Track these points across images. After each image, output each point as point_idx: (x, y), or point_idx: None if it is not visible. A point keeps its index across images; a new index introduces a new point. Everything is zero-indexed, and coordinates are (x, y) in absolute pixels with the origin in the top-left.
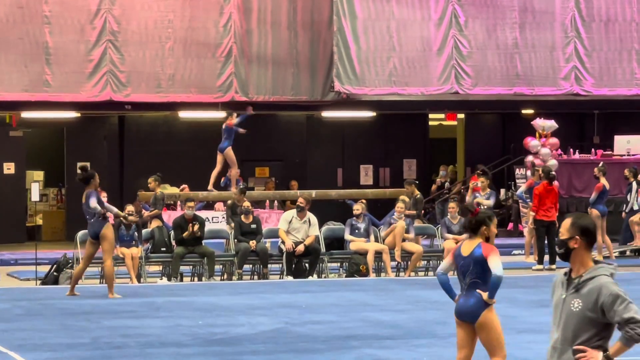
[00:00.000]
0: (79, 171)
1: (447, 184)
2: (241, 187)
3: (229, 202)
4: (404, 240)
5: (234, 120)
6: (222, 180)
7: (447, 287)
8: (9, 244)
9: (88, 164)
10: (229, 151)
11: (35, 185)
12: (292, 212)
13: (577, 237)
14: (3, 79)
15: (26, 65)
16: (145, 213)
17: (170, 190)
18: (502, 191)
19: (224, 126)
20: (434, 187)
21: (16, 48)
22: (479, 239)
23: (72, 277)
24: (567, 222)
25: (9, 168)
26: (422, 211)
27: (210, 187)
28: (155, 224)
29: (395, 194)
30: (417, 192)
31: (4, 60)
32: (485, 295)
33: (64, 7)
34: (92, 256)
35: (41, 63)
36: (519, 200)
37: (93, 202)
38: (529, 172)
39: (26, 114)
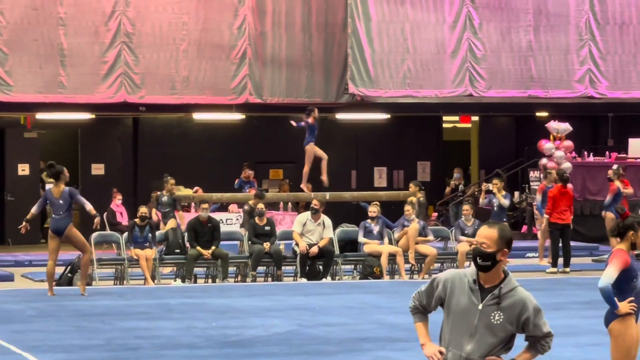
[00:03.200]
0: (48, 168)
1: (461, 187)
2: (259, 192)
3: (246, 207)
4: (418, 242)
5: (316, 115)
6: (236, 181)
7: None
8: (23, 245)
9: (54, 162)
10: (310, 147)
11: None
12: (307, 215)
13: (505, 249)
14: (18, 81)
15: (41, 67)
16: (157, 214)
17: (184, 191)
18: (516, 194)
19: (302, 123)
20: (447, 189)
21: (31, 50)
22: (622, 244)
23: (47, 276)
24: (491, 233)
25: (24, 169)
26: (425, 214)
27: (302, 185)
28: (170, 225)
29: (409, 196)
30: (419, 194)
31: (19, 61)
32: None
33: (78, 9)
34: (57, 249)
35: (56, 65)
36: (533, 203)
37: (88, 205)
38: (542, 175)
39: (41, 116)
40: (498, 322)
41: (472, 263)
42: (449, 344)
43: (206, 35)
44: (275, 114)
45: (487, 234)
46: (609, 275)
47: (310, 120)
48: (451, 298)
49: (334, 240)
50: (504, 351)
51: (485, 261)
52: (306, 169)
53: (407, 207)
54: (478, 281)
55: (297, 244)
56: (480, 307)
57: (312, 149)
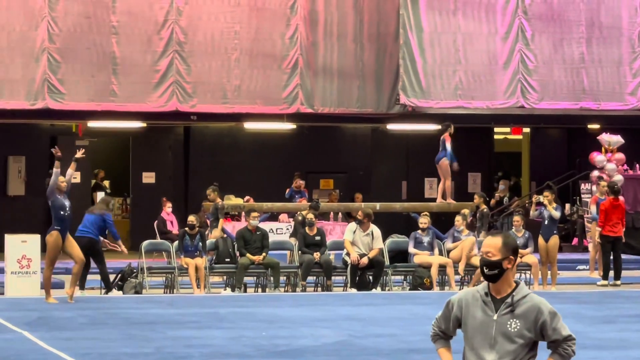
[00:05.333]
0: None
1: (505, 199)
2: (314, 203)
3: (299, 217)
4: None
5: (451, 131)
6: (287, 191)
7: None
8: None
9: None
10: (444, 162)
11: (100, 194)
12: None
13: (511, 257)
14: (70, 89)
15: (93, 75)
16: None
17: (234, 201)
18: (567, 206)
19: (441, 138)
20: (492, 201)
21: (83, 58)
22: None
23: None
24: (495, 242)
25: (75, 177)
26: (488, 225)
27: (438, 199)
28: (217, 234)
29: (460, 207)
30: (483, 205)
31: (71, 70)
32: None
33: (131, 17)
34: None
35: (108, 73)
36: (584, 215)
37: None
38: (594, 187)
39: (92, 124)
40: (515, 329)
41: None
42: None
43: (258, 45)
44: (327, 124)
45: (491, 243)
46: None
47: (445, 135)
48: (467, 316)
49: (384, 251)
50: (527, 359)
51: (492, 270)
52: (442, 184)
53: (458, 218)
54: (490, 293)
55: (347, 254)
56: (495, 317)
57: (446, 164)
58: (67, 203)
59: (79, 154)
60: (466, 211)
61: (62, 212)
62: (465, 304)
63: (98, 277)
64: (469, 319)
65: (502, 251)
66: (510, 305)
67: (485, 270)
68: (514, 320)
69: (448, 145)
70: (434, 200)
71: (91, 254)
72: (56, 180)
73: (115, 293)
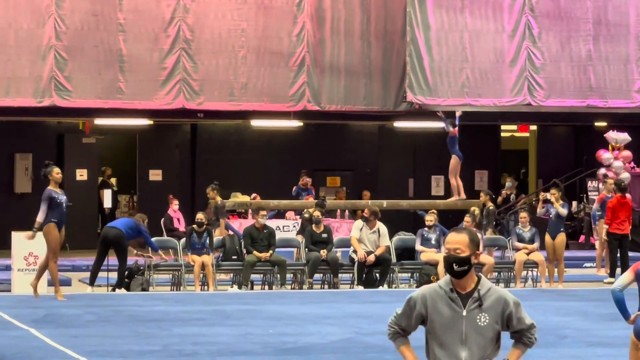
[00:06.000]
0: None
1: (512, 197)
2: (321, 201)
3: (305, 214)
4: None
5: (456, 127)
6: (294, 189)
7: (623, 306)
8: (81, 250)
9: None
10: (453, 159)
11: (107, 192)
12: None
13: (477, 252)
14: (77, 86)
15: (100, 73)
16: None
17: (241, 198)
18: (574, 203)
19: (451, 129)
20: (499, 198)
21: (90, 55)
22: None
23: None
24: (462, 238)
25: (82, 174)
26: (494, 223)
27: (455, 197)
28: (219, 233)
29: (467, 205)
30: (490, 203)
31: (78, 67)
32: None
33: (138, 15)
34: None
35: (115, 70)
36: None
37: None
38: (601, 185)
39: (99, 121)
40: (485, 323)
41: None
42: (442, 357)
43: (265, 42)
44: (333, 121)
45: (459, 240)
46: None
47: (454, 131)
48: (433, 312)
49: (391, 248)
50: (494, 352)
51: (462, 266)
52: (456, 181)
53: (467, 219)
54: (455, 289)
55: (354, 251)
56: (464, 313)
57: (453, 162)
58: (63, 197)
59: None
60: (476, 210)
61: (58, 208)
62: (430, 301)
63: (106, 274)
64: (435, 315)
65: (470, 247)
66: (477, 300)
67: (455, 267)
68: (483, 314)
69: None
70: (440, 197)
71: (115, 248)
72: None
73: (121, 290)
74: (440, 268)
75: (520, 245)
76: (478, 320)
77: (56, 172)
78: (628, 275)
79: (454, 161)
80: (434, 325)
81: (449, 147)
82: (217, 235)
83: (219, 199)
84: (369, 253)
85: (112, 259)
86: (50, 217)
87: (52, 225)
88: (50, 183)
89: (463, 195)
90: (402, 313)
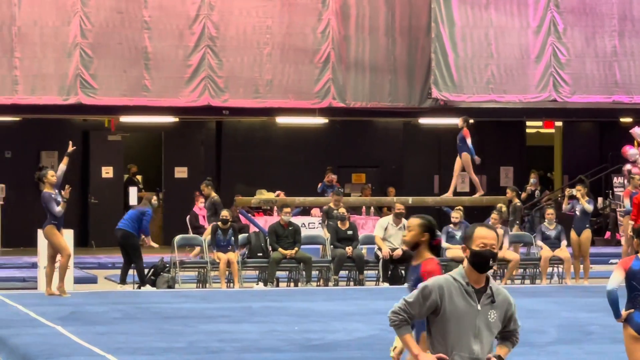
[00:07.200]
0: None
1: (537, 192)
2: (337, 190)
3: (325, 207)
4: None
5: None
6: (319, 185)
7: (617, 305)
8: (106, 247)
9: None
10: (465, 156)
11: (133, 189)
12: (388, 219)
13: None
14: (102, 84)
15: (125, 70)
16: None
17: (266, 195)
18: (600, 200)
19: (460, 133)
20: (523, 194)
21: (115, 53)
22: None
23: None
24: (494, 234)
25: (108, 172)
26: (521, 219)
27: (449, 193)
28: (207, 232)
29: (492, 201)
30: (516, 200)
31: (104, 65)
32: None
33: (163, 12)
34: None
35: (140, 68)
36: (617, 209)
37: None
38: (626, 181)
39: (125, 119)
40: (493, 319)
41: (467, 265)
42: (452, 349)
43: (290, 39)
44: (358, 118)
45: (492, 235)
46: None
47: (465, 131)
48: (448, 303)
49: None
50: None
51: (495, 262)
52: (455, 179)
53: (494, 216)
54: (470, 283)
55: (379, 249)
56: (479, 307)
57: (467, 158)
58: (59, 198)
59: (70, 149)
60: (503, 206)
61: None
62: (447, 292)
63: (132, 271)
64: (448, 306)
65: (497, 243)
66: (490, 296)
67: (491, 262)
68: (493, 311)
69: (468, 140)
70: (466, 194)
71: (127, 247)
72: (61, 175)
73: (147, 288)
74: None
75: (542, 243)
76: (489, 316)
77: (51, 175)
78: (619, 273)
79: (464, 158)
80: (446, 316)
81: (458, 145)
82: (207, 232)
83: (214, 194)
84: (394, 249)
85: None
86: (51, 219)
87: (51, 226)
88: (45, 186)
89: (481, 191)
90: (415, 301)
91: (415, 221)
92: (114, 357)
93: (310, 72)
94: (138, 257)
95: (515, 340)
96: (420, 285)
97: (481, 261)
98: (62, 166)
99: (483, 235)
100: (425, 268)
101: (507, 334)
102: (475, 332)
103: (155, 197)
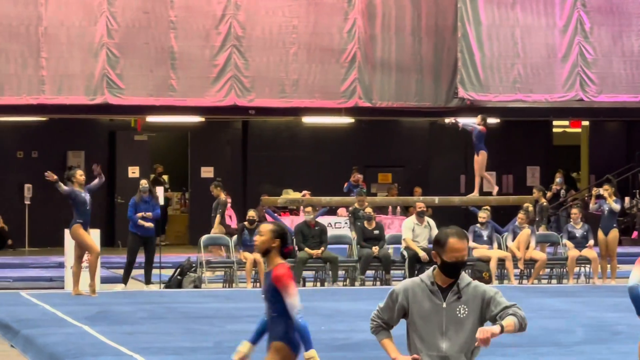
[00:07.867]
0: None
1: (562, 192)
2: (359, 190)
3: (350, 207)
4: (527, 247)
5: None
6: (345, 185)
7: (639, 301)
8: None
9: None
10: (482, 154)
11: (160, 189)
12: (412, 219)
13: None
14: (129, 84)
15: (151, 70)
16: (268, 219)
17: (292, 195)
18: (627, 199)
19: (470, 127)
20: (549, 194)
21: (142, 53)
22: None
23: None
24: (465, 244)
25: (134, 172)
26: (547, 218)
27: (495, 190)
28: (217, 230)
29: (519, 201)
30: (543, 199)
31: (130, 64)
32: None
33: (189, 12)
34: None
35: (166, 68)
36: None
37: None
38: None
39: (151, 119)
40: (464, 315)
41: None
42: (421, 350)
43: (316, 39)
44: (385, 117)
45: (464, 246)
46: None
47: (482, 128)
48: (414, 305)
49: None
50: (474, 341)
51: (464, 268)
52: (480, 178)
53: (521, 216)
54: (436, 282)
55: (406, 248)
56: (444, 305)
57: (482, 157)
58: (87, 198)
59: (52, 179)
60: (530, 206)
61: (83, 207)
62: (412, 294)
63: (158, 271)
64: (415, 308)
65: (467, 249)
66: (457, 293)
67: (461, 271)
68: (462, 306)
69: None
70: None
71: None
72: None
73: (151, 287)
74: (493, 264)
75: (569, 243)
76: (458, 312)
77: (79, 174)
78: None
79: (483, 156)
80: (414, 317)
81: (475, 143)
82: (216, 231)
83: (222, 195)
84: (423, 249)
85: (155, 256)
86: (76, 218)
87: (78, 225)
88: (74, 186)
89: (496, 187)
90: (385, 306)
91: (266, 227)
92: (140, 356)
93: (337, 71)
94: (150, 252)
95: (514, 314)
96: (389, 290)
97: (452, 271)
98: (64, 187)
99: (456, 248)
100: (275, 273)
101: (502, 315)
102: (442, 330)
103: (143, 181)
